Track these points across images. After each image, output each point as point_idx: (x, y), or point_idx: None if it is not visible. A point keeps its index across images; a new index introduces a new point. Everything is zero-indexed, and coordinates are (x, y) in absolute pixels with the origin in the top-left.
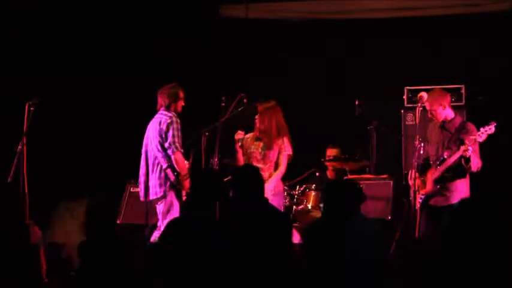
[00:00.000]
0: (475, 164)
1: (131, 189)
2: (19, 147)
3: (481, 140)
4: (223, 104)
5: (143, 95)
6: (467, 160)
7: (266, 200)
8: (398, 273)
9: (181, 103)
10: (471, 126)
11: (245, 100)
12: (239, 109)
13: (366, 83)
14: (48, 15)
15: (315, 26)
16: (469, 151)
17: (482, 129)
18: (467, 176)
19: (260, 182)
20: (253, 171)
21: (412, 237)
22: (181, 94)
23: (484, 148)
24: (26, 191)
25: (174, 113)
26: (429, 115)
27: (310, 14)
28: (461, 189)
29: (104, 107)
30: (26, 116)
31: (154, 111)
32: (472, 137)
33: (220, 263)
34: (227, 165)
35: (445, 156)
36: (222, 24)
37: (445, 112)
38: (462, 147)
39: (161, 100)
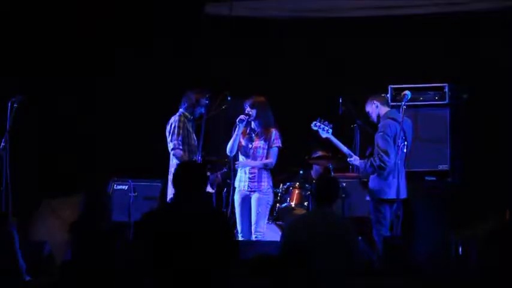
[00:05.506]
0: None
1: (115, 187)
2: (1, 144)
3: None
4: (207, 102)
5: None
6: None
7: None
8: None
9: (199, 109)
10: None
11: (229, 98)
12: (223, 107)
13: (349, 81)
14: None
15: (298, 24)
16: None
17: None
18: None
19: (200, 181)
20: (194, 168)
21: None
22: (203, 102)
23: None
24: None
25: (182, 112)
26: None
27: (293, 12)
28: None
29: (87, 106)
30: (8, 113)
31: (138, 109)
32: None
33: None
34: (211, 163)
35: None
36: (208, 23)
37: (376, 112)
38: None
39: (183, 101)
